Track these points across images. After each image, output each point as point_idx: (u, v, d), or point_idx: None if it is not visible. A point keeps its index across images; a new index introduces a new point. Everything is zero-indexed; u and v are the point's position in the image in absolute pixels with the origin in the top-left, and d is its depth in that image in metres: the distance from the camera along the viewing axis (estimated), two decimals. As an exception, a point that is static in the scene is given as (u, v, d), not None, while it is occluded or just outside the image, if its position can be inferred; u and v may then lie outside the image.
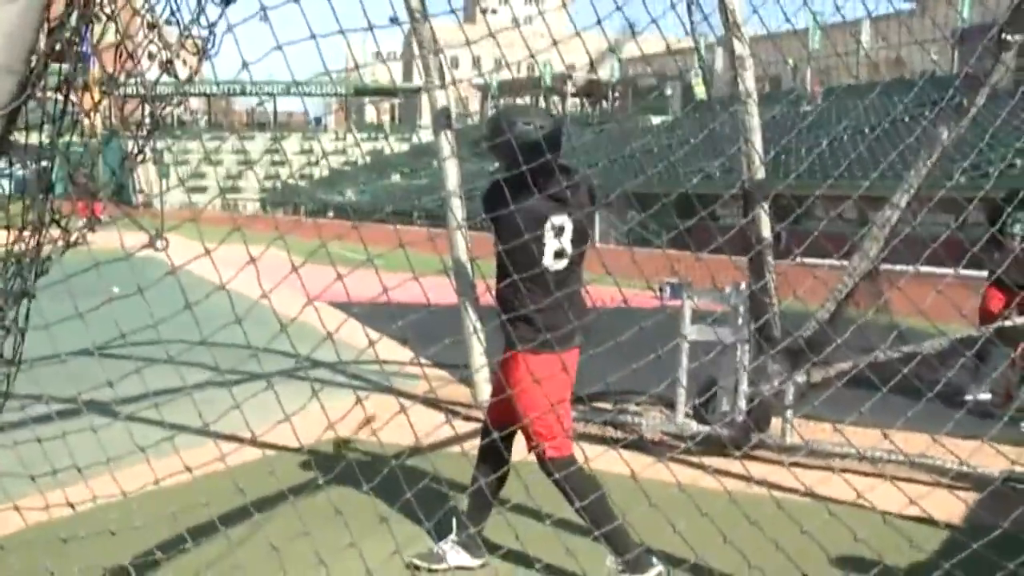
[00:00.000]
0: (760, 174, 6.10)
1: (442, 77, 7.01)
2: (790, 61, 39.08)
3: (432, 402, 7.65)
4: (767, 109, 29.23)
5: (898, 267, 6.11)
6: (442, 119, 7.11)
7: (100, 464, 3.80)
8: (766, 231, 6.08)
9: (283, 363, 8.91)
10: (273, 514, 4.80)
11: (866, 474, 5.75)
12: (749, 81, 6.08)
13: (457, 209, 6.99)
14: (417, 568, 4.41)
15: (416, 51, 7.23)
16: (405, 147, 56.27)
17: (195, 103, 73.19)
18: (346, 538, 3.91)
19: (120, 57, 3.41)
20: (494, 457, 4.36)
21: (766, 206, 6.02)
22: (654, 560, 4.27)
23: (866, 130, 26.08)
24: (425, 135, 62.85)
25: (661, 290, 14.12)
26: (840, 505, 4.93)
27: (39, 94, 3.21)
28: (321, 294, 3.71)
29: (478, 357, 7.49)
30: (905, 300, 6.02)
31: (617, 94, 57.69)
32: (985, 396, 7.88)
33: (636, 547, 4.22)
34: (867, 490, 4.77)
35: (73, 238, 3.28)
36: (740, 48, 6.01)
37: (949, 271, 4.89)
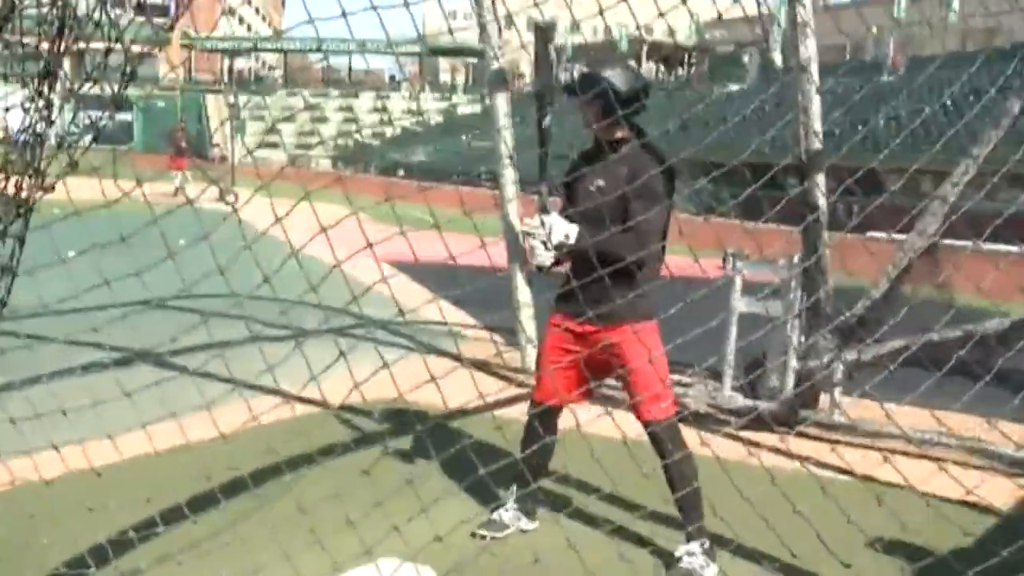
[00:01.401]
0: (816, 145, 5.93)
1: (500, 37, 6.93)
2: (873, 29, 38.14)
3: (482, 365, 7.66)
4: (846, 78, 28.57)
5: (959, 243, 5.94)
6: (498, 82, 7.04)
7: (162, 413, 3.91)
8: (821, 202, 5.92)
9: (336, 319, 9.05)
10: (331, 465, 4.87)
11: (918, 456, 5.63)
12: (810, 49, 5.91)
13: (510, 176, 6.93)
14: (483, 538, 4.40)
15: (476, 12, 7.14)
16: (477, 108, 56.15)
17: (272, 59, 73.92)
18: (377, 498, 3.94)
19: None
20: (544, 426, 4.32)
21: (821, 177, 5.87)
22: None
23: (948, 103, 25.36)
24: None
25: (725, 260, 13.92)
26: (887, 487, 4.84)
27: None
28: (360, 252, 3.67)
29: (527, 324, 7.46)
30: (965, 278, 5.87)
31: (694, 60, 56.83)
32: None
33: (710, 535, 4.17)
34: (916, 474, 4.68)
35: (49, 182, 3.26)
36: (802, 14, 5.83)
37: (1013, 248, 4.69)
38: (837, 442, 5.85)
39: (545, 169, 4.29)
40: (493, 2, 6.68)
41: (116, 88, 3.13)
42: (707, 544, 4.11)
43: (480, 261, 4.07)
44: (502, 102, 6.95)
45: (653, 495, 4.31)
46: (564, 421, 4.39)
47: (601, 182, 4.15)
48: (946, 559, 3.79)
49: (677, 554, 4.12)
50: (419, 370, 3.77)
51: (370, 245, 3.52)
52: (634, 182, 3.97)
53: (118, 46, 3.11)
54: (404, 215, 3.60)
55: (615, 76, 4.08)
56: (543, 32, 4.29)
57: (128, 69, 3.10)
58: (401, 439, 5.61)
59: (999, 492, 5.13)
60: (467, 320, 9.97)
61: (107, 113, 3.25)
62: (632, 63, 4.32)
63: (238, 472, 4.42)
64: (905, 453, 5.72)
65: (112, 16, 3.07)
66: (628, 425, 4.25)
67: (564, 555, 3.98)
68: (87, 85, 3.25)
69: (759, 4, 7.44)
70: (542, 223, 4.05)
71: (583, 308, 4.02)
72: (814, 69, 5.92)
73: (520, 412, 4.70)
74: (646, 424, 4.12)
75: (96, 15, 3.01)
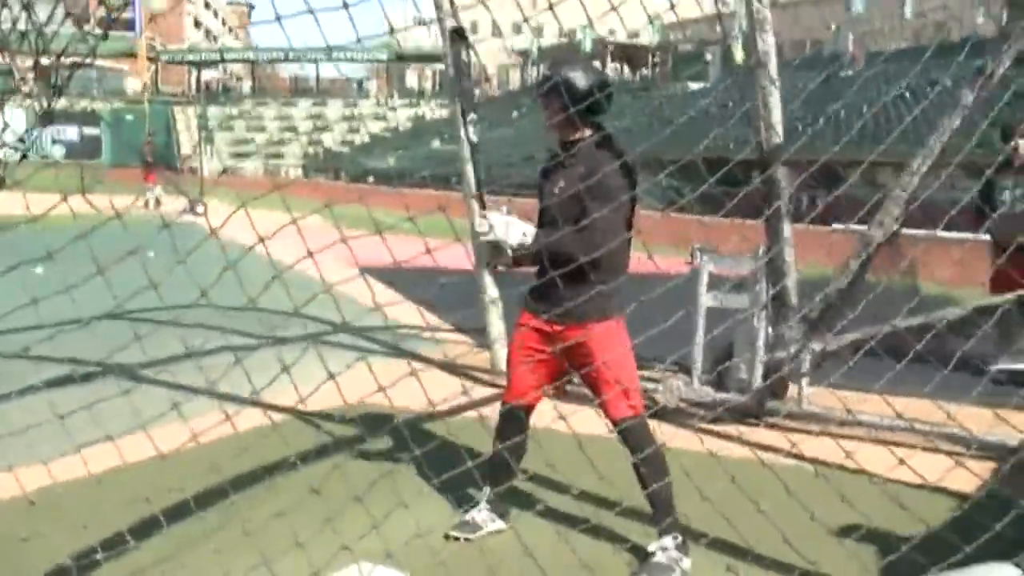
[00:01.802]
0: (776, 138, 5.94)
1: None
2: (832, 25, 38.45)
3: (451, 367, 7.62)
4: (808, 74, 28.75)
5: (920, 232, 5.97)
6: (459, 76, 6.99)
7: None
8: (782, 196, 5.93)
9: (308, 327, 8.99)
10: (287, 476, 4.80)
11: (882, 443, 5.64)
12: (768, 43, 5.91)
13: (471, 176, 6.89)
14: (457, 539, 4.34)
15: (437, 15, 7.10)
16: (445, 113, 56.08)
17: (239, 69, 73.53)
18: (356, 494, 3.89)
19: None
20: (515, 425, 4.29)
21: (782, 170, 5.87)
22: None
23: (907, 95, 25.57)
24: (466, 101, 62.55)
25: (692, 255, 13.97)
26: (853, 475, 4.84)
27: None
28: (321, 251, 3.64)
29: (496, 324, 7.43)
30: (926, 266, 5.90)
31: (656, 59, 57.02)
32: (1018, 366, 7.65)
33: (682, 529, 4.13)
34: (881, 462, 4.68)
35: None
36: (760, 9, 5.83)
37: (969, 236, 4.72)
38: (804, 432, 5.85)
39: (479, 177, 4.55)
40: (452, 3, 6.64)
41: (47, 103, 3.08)
42: (680, 538, 4.07)
43: (452, 263, 4.04)
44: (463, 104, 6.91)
45: (625, 491, 4.28)
46: (533, 419, 4.37)
47: (562, 183, 4.13)
48: (909, 547, 3.78)
49: (650, 549, 4.08)
50: (386, 373, 3.74)
51: (311, 254, 3.50)
52: (586, 179, 3.96)
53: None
54: (376, 221, 3.56)
55: (572, 75, 4.05)
56: (457, 37, 4.26)
57: (58, 82, 3.05)
58: (373, 441, 5.57)
59: (961, 478, 5.14)
60: (438, 323, 9.94)
61: (35, 129, 3.20)
62: (595, 63, 4.29)
63: (183, 493, 4.32)
64: (871, 440, 5.73)
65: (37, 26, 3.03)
66: (595, 422, 4.23)
67: (536, 554, 3.95)
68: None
69: (717, 2, 7.44)
70: (489, 225, 4.07)
71: (549, 307, 4.01)
72: (772, 64, 5.93)
73: (492, 412, 4.66)
74: (615, 422, 4.09)
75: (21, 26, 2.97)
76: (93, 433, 3.95)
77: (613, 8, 3.83)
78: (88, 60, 3.38)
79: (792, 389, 6.39)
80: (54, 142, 53.23)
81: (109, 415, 4.14)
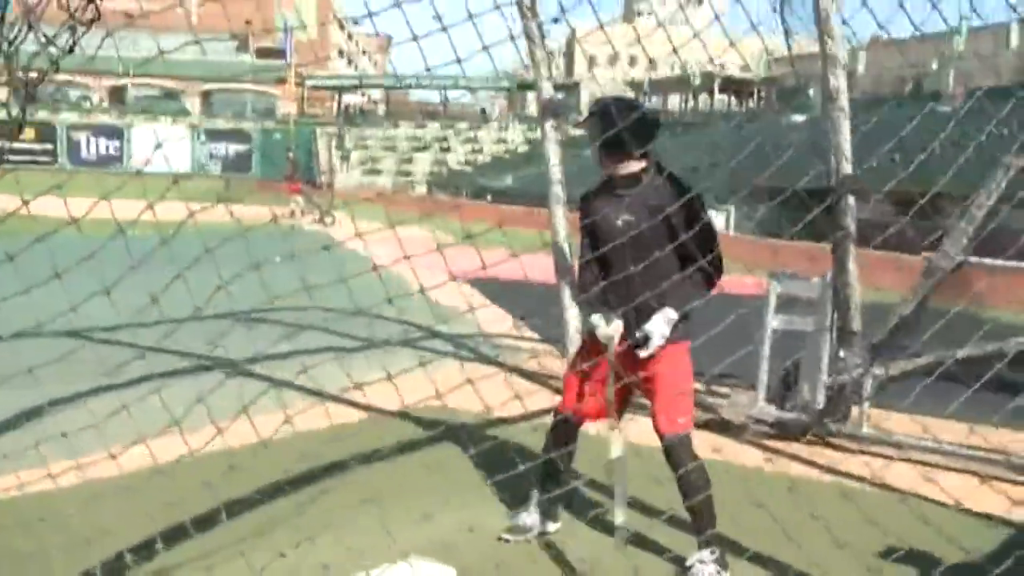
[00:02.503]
0: (845, 168, 5.69)
1: (549, 69, 6.83)
2: (934, 64, 37.16)
3: (529, 374, 7.54)
4: (907, 110, 27.82)
5: (987, 260, 5.65)
6: (548, 109, 6.94)
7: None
8: (850, 224, 5.67)
9: (406, 332, 9.03)
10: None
11: (951, 470, 5.35)
12: (839, 79, 5.67)
13: (558, 193, 6.81)
14: (507, 541, 4.26)
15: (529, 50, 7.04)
16: (561, 137, 56.21)
17: (376, 94, 74.94)
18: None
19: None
20: (567, 434, 4.18)
21: (850, 199, 5.62)
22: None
23: (1006, 131, 24.46)
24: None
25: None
26: (922, 500, 4.59)
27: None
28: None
29: (574, 334, 7.31)
30: (999, 294, 5.57)
31: (762, 93, 56.00)
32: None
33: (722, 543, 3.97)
34: (949, 486, 4.41)
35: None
36: (831, 47, 5.60)
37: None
38: (865, 454, 5.59)
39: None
40: (542, 39, 6.59)
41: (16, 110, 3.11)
42: (717, 552, 3.90)
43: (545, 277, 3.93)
44: (550, 126, 6.84)
45: (675, 500, 4.13)
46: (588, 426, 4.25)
47: (626, 215, 3.94)
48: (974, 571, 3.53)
49: (688, 562, 3.92)
50: (474, 375, 3.65)
51: (407, 257, 3.46)
52: (660, 210, 3.82)
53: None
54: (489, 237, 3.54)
55: (609, 111, 3.89)
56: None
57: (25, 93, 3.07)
58: (445, 441, 5.51)
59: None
60: (527, 332, 9.86)
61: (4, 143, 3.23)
62: (632, 95, 4.14)
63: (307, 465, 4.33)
64: (936, 466, 5.44)
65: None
66: (649, 432, 4.09)
67: (582, 556, 3.84)
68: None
69: (822, 45, 7.12)
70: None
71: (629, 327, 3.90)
72: (843, 99, 5.68)
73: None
74: (662, 436, 3.94)
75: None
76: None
77: (732, 44, 3.69)
78: (52, 73, 3.37)
79: (855, 411, 6.11)
80: (211, 157, 55.18)
81: (213, 402, 4.15)
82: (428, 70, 3.95)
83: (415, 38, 3.53)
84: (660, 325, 3.84)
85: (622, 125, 3.80)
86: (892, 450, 5.58)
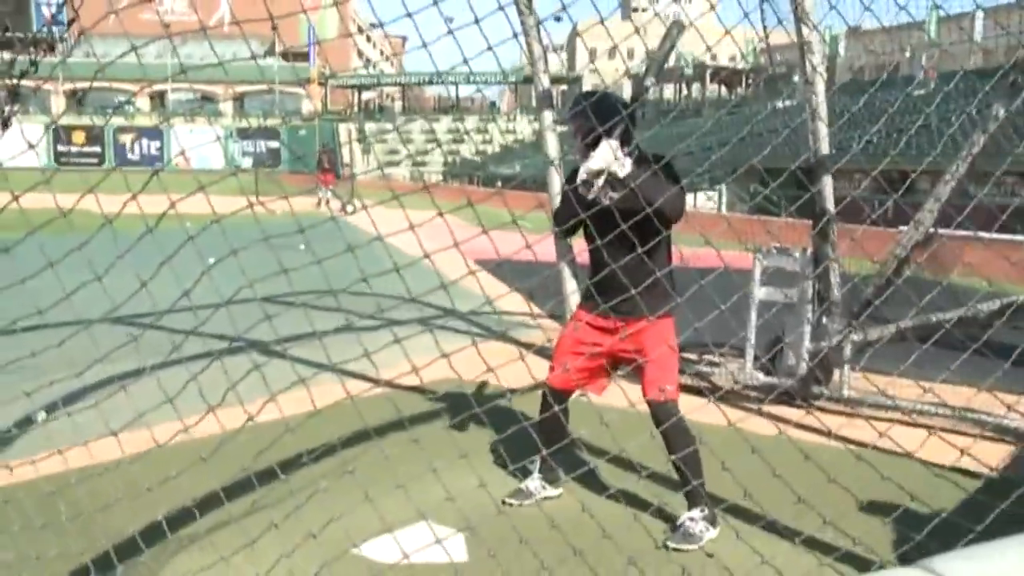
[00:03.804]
0: (824, 149, 5.63)
1: (546, 62, 6.75)
2: (907, 50, 36.72)
3: (539, 349, 7.50)
4: (884, 92, 27.55)
5: (956, 232, 5.59)
6: (545, 98, 6.87)
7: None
8: (829, 202, 5.62)
9: (422, 312, 9.01)
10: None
11: (917, 426, 5.30)
12: (816, 63, 5.59)
13: (556, 177, 6.74)
14: (511, 505, 4.27)
15: (526, 41, 6.95)
16: (562, 128, 55.91)
17: (393, 91, 74.70)
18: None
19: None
20: (559, 402, 4.15)
21: (828, 178, 5.56)
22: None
23: (974, 112, 24.20)
24: (583, 117, 62.18)
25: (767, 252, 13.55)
26: (890, 456, 4.54)
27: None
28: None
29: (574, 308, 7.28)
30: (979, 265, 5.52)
31: (750, 81, 55.55)
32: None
33: (710, 503, 3.95)
34: (914, 441, 4.36)
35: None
36: (806, 32, 5.52)
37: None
38: (846, 414, 5.55)
39: None
40: (538, 30, 6.50)
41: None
42: (707, 510, 3.88)
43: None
44: (548, 117, 6.78)
45: (662, 462, 4.10)
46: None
47: (612, 193, 3.87)
48: (942, 519, 3.49)
49: (679, 520, 3.91)
50: (488, 353, 3.61)
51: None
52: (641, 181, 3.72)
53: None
54: (495, 218, 3.48)
55: (585, 106, 3.82)
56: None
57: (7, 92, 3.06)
58: (455, 414, 5.49)
59: (991, 454, 4.78)
60: (535, 310, 9.82)
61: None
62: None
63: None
64: (905, 423, 5.39)
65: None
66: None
67: (579, 517, 3.82)
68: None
69: (800, 32, 7.03)
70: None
71: (613, 303, 3.81)
72: (820, 82, 5.60)
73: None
74: (649, 403, 3.92)
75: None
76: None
77: (728, 33, 3.62)
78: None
79: (836, 375, 6.08)
80: (244, 154, 55.23)
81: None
82: (439, 73, 3.87)
83: (424, 45, 3.47)
84: (603, 150, 3.70)
85: (623, 119, 3.77)
86: (871, 410, 5.54)
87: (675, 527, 3.90)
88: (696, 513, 3.87)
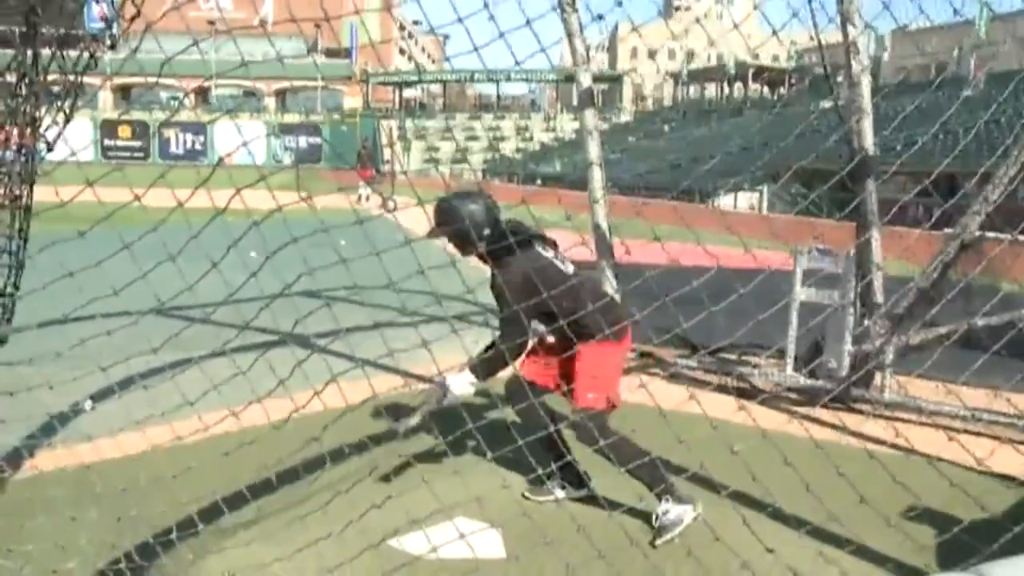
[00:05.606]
0: (869, 150, 5.55)
1: (587, 60, 6.74)
2: (955, 51, 36.14)
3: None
4: (932, 94, 27.06)
5: (1003, 236, 5.47)
6: (587, 98, 6.86)
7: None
8: (872, 202, 5.54)
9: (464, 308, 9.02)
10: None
11: (970, 432, 5.22)
12: (862, 64, 5.52)
13: (598, 180, 6.74)
14: (528, 499, 4.38)
15: (569, 43, 6.96)
16: (604, 126, 55.65)
17: (434, 88, 74.93)
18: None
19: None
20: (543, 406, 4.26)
21: (870, 180, 5.48)
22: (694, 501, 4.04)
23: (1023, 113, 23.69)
24: (624, 116, 62.04)
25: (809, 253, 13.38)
26: (937, 461, 4.48)
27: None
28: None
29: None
30: (1008, 267, 5.40)
31: (793, 81, 54.95)
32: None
33: (669, 479, 4.04)
34: (968, 446, 4.30)
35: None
36: (852, 33, 5.45)
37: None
38: (887, 418, 5.48)
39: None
40: (581, 29, 6.50)
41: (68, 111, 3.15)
42: (670, 499, 3.99)
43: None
44: (590, 116, 6.78)
45: (686, 460, 4.08)
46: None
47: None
48: (986, 527, 3.44)
49: (654, 517, 4.02)
50: None
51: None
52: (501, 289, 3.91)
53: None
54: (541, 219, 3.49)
55: (444, 214, 3.99)
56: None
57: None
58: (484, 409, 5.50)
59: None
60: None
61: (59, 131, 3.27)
62: (476, 193, 4.05)
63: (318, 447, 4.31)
64: (954, 429, 5.30)
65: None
66: (673, 398, 4.03)
67: (606, 520, 3.83)
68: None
69: (844, 32, 6.96)
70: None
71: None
72: (865, 84, 5.53)
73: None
74: (576, 410, 4.06)
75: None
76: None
77: (775, 33, 3.60)
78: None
79: (878, 378, 6.00)
80: (285, 149, 55.66)
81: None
82: (477, 72, 3.88)
83: (475, 49, 3.46)
84: (456, 382, 4.06)
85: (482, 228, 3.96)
86: (914, 414, 5.47)
87: (656, 522, 4.01)
88: (665, 505, 4.00)
